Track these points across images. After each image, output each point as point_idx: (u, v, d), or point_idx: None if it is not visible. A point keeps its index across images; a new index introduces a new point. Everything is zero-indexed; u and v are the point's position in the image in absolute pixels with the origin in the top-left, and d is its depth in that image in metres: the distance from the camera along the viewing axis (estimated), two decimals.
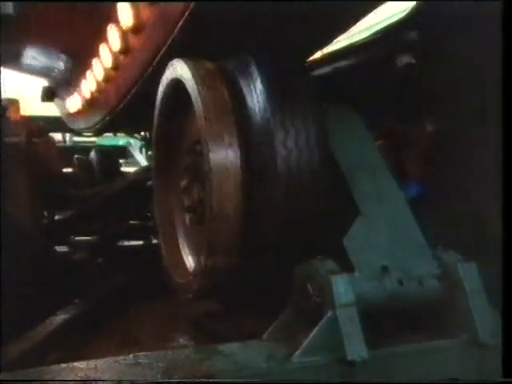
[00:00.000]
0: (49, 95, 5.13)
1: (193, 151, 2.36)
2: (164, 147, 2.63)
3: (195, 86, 2.11)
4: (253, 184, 2.02)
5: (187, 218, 2.50)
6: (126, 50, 2.98)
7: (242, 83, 2.11)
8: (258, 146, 2.02)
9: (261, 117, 2.01)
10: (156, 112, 2.56)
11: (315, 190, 2.00)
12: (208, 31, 2.37)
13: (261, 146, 2.01)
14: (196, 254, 2.44)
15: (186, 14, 2.21)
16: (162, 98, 2.48)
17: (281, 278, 1.88)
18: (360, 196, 2.06)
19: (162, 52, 2.56)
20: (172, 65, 2.32)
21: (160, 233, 2.69)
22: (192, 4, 2.18)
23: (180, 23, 2.30)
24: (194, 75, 2.13)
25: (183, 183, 2.48)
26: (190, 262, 2.52)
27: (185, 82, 2.19)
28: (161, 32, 2.54)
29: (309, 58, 3.28)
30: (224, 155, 2.01)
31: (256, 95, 2.03)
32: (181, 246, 2.60)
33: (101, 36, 3.29)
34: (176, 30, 2.37)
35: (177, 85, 2.29)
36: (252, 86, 2.06)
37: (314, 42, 3.04)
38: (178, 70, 2.25)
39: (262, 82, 2.02)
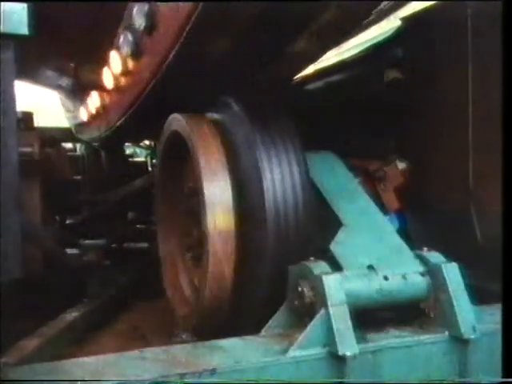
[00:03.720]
0: None
1: (191, 195, 2.42)
2: (166, 191, 2.72)
3: (191, 137, 2.20)
4: (245, 227, 2.08)
5: (187, 255, 2.59)
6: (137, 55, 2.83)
7: (234, 134, 2.19)
8: (249, 188, 2.08)
9: (251, 166, 2.07)
10: (158, 160, 2.67)
11: (302, 230, 2.04)
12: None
13: (251, 187, 2.07)
14: (195, 289, 2.50)
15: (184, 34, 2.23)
16: (164, 148, 2.57)
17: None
18: (341, 212, 2.14)
19: (163, 68, 2.57)
20: (171, 119, 2.42)
21: (163, 269, 2.74)
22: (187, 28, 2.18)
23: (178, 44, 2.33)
24: (190, 127, 2.23)
25: (183, 225, 2.57)
26: (190, 296, 2.58)
27: (182, 133, 2.28)
28: (161, 49, 2.56)
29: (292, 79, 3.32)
30: (219, 198, 2.08)
31: (246, 145, 2.10)
32: (182, 280, 2.66)
33: (107, 54, 3.29)
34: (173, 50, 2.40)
35: (176, 136, 2.37)
36: (243, 138, 2.13)
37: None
38: (177, 123, 2.36)
39: (252, 133, 2.08)
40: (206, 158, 2.13)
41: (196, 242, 2.35)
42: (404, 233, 2.40)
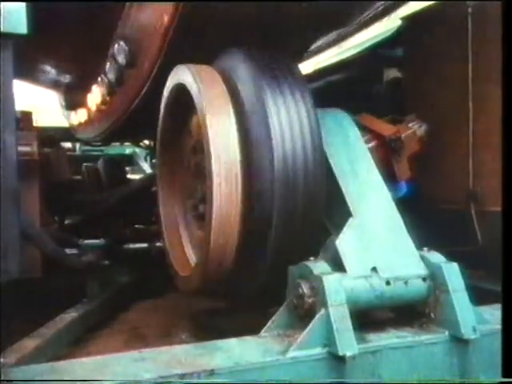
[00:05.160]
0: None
1: (196, 151, 2.34)
2: (168, 147, 2.60)
3: (197, 90, 2.11)
4: (252, 184, 2.01)
5: (190, 214, 2.49)
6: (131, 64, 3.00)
7: (241, 85, 2.10)
8: (257, 147, 2.01)
9: (259, 118, 2.00)
10: (161, 114, 2.53)
11: (310, 192, 2.00)
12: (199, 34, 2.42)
13: (259, 147, 2.00)
14: (198, 249, 2.41)
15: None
16: (167, 101, 2.46)
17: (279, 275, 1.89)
18: (351, 199, 2.07)
19: (160, 63, 2.59)
20: (176, 70, 2.32)
21: (164, 228, 2.64)
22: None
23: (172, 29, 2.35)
24: (195, 79, 2.13)
25: (186, 182, 2.48)
26: (192, 256, 2.48)
27: (187, 86, 2.19)
28: (156, 43, 2.57)
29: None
30: (225, 156, 2.00)
31: (254, 96, 2.03)
32: (184, 241, 2.56)
33: (106, 51, 3.30)
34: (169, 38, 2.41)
35: (180, 89, 2.28)
36: (250, 87, 2.05)
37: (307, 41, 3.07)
38: (181, 74, 2.25)
39: (259, 84, 2.02)
40: (211, 110, 2.04)
41: (199, 199, 2.27)
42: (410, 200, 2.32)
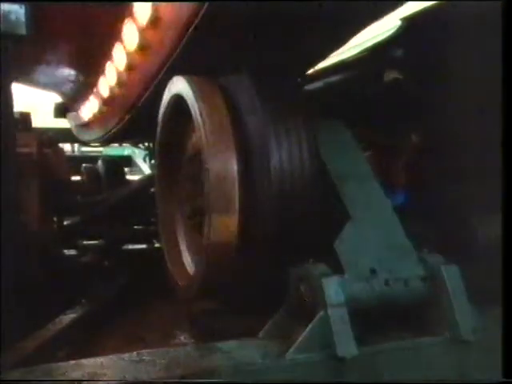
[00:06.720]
0: (61, 111, 5.11)
1: (193, 162, 2.37)
2: (166, 157, 2.64)
3: (195, 101, 2.13)
4: (249, 193, 2.04)
5: (188, 224, 2.52)
6: (136, 60, 2.96)
7: (239, 98, 2.13)
8: (254, 158, 2.04)
9: (257, 130, 2.04)
10: (159, 124, 2.56)
11: (306, 199, 2.03)
12: (208, 46, 2.39)
13: (256, 157, 2.04)
14: (196, 258, 2.45)
15: (191, 28, 2.22)
16: (164, 112, 2.49)
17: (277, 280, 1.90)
18: (349, 202, 2.08)
19: (165, 68, 2.57)
20: (173, 81, 2.34)
21: (162, 237, 2.69)
22: (197, 19, 2.19)
23: (185, 38, 2.32)
24: (193, 90, 2.16)
25: (184, 192, 2.50)
26: (190, 265, 2.52)
27: (185, 97, 2.21)
28: (165, 46, 2.55)
29: (303, 73, 3.32)
30: (222, 167, 2.03)
31: (252, 109, 2.06)
32: (182, 250, 2.60)
33: (109, 52, 3.29)
34: (180, 45, 2.38)
35: (178, 100, 2.30)
36: (248, 101, 2.09)
37: (310, 57, 3.06)
38: (179, 85, 2.27)
39: (258, 98, 2.04)
40: (209, 121, 2.07)
41: (198, 209, 2.29)
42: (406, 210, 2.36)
